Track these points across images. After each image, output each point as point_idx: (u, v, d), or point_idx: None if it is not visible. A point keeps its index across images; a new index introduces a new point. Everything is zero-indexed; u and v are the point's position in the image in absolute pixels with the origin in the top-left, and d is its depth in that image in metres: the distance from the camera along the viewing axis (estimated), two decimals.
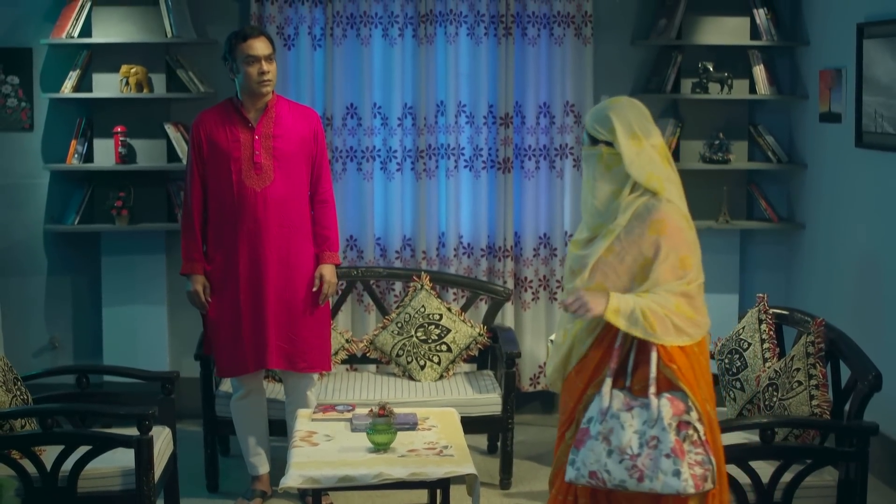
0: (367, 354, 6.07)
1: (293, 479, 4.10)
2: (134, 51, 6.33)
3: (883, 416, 4.81)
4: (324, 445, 4.43)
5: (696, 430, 3.50)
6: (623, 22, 6.67)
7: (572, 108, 6.55)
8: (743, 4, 6.51)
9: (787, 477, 4.27)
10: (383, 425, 4.35)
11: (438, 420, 4.75)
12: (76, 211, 6.42)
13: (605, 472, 3.52)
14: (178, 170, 6.34)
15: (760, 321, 4.93)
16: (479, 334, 5.98)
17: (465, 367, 6.20)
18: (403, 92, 6.52)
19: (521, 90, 6.56)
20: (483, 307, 6.38)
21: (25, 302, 6.61)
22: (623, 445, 3.50)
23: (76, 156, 6.37)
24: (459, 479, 4.24)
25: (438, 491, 4.42)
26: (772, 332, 4.91)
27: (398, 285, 6.51)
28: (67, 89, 6.32)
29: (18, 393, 4.70)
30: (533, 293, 6.66)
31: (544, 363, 6.52)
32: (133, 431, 4.50)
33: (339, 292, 6.23)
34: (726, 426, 4.33)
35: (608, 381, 3.60)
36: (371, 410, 4.48)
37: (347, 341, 6.02)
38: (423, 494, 5.00)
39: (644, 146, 3.65)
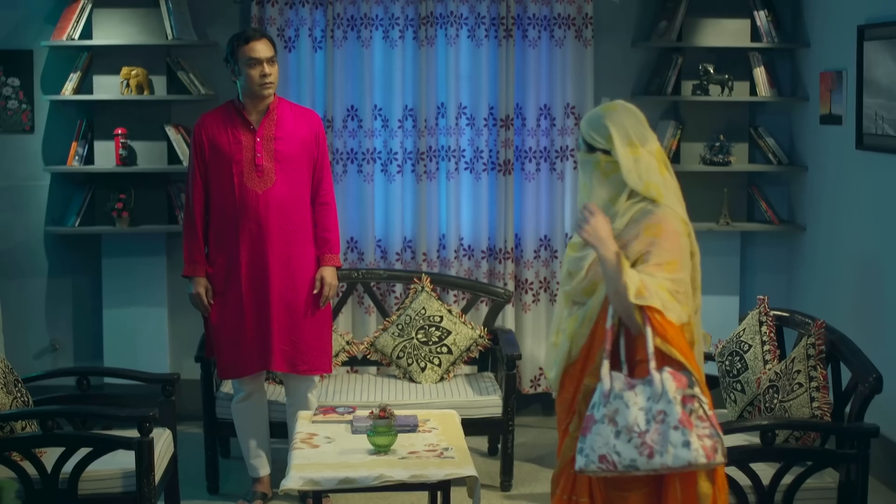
0: (368, 356, 6.07)
1: (294, 481, 4.10)
2: (134, 53, 6.34)
3: (883, 417, 4.81)
4: (324, 447, 4.43)
5: (700, 403, 3.47)
6: (624, 24, 6.67)
7: (573, 111, 6.56)
8: (743, 6, 6.51)
9: (788, 479, 4.27)
10: (384, 427, 4.35)
11: (439, 422, 4.75)
12: (77, 213, 6.42)
13: (614, 454, 3.47)
14: (179, 172, 6.34)
15: (761, 323, 4.93)
16: (480, 336, 5.98)
17: (466, 369, 6.20)
18: (404, 94, 6.52)
19: (522, 92, 6.56)
20: (484, 309, 6.38)
21: (26, 304, 6.62)
22: (630, 424, 3.47)
23: (77, 158, 6.38)
24: (460, 481, 4.24)
25: (439, 493, 4.42)
26: (772, 334, 4.91)
27: (399, 287, 6.51)
28: (68, 91, 6.32)
29: (19, 395, 4.70)
30: (533, 295, 6.66)
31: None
32: (133, 433, 4.50)
33: (340, 294, 6.23)
34: (727, 428, 4.33)
35: (605, 364, 3.59)
36: (372, 412, 4.48)
37: (348, 343, 6.03)
38: (423, 496, 5.00)
39: (641, 153, 3.63)
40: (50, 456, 4.46)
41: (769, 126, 6.70)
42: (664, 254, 3.57)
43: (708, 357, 4.95)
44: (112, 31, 6.31)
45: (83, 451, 4.44)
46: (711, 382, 4.85)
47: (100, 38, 6.30)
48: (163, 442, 4.82)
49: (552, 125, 6.58)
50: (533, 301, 6.66)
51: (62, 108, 6.50)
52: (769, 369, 4.77)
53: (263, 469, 5.42)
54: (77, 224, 6.42)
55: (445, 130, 6.55)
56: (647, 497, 3.62)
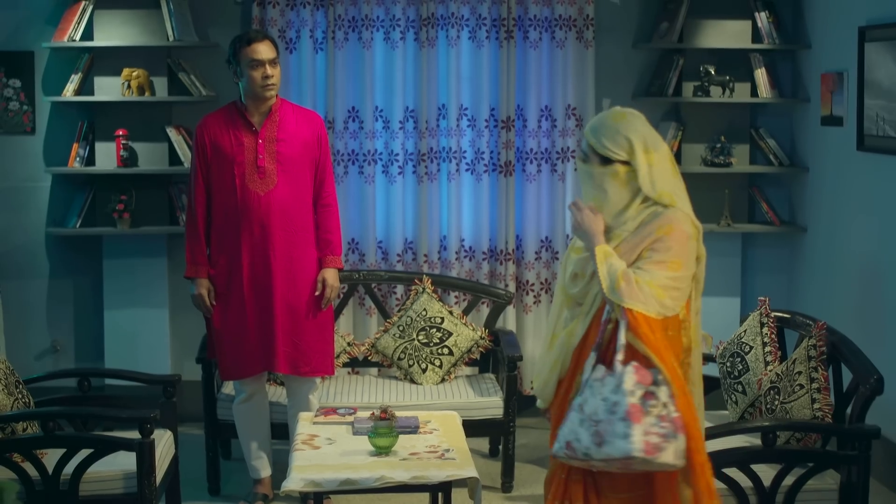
0: (369, 358, 6.07)
1: (295, 482, 4.10)
2: (135, 54, 6.34)
3: (885, 419, 4.81)
4: (325, 449, 4.43)
5: (664, 404, 3.48)
6: (625, 25, 6.67)
7: (574, 112, 6.56)
8: (744, 8, 6.51)
9: (789, 480, 4.27)
10: (385, 429, 4.35)
11: (440, 423, 4.75)
12: (78, 214, 6.43)
13: (576, 440, 3.53)
14: (180, 173, 6.34)
15: (762, 324, 4.93)
16: (481, 337, 5.98)
17: (467, 370, 6.20)
18: (405, 95, 6.52)
19: (523, 93, 6.57)
20: (485, 310, 6.38)
21: (27, 305, 6.62)
22: (591, 413, 3.52)
23: (78, 159, 6.38)
24: (461, 483, 4.24)
25: (440, 494, 4.42)
26: (773, 336, 4.91)
27: (400, 288, 6.51)
28: (69, 93, 6.32)
29: (20, 396, 4.70)
30: (534, 296, 6.66)
31: None
32: (135, 435, 4.50)
33: (341, 295, 6.23)
34: (728, 430, 4.34)
35: (592, 355, 3.62)
36: (373, 414, 4.48)
37: (349, 344, 6.03)
38: (424, 498, 5.00)
39: (655, 159, 3.65)
40: (51, 457, 4.46)
41: (770, 127, 6.70)
42: (668, 253, 3.58)
43: (709, 358, 4.96)
44: (113, 33, 6.31)
45: (84, 453, 4.44)
46: (712, 384, 4.87)
47: (101, 40, 6.30)
48: (164, 443, 4.83)
49: (553, 126, 6.58)
50: (534, 302, 6.66)
51: (63, 109, 6.50)
52: (770, 370, 4.77)
53: (265, 470, 5.42)
54: (78, 225, 6.42)
55: (446, 132, 6.55)
56: (642, 500, 3.63)
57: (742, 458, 4.21)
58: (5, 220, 6.55)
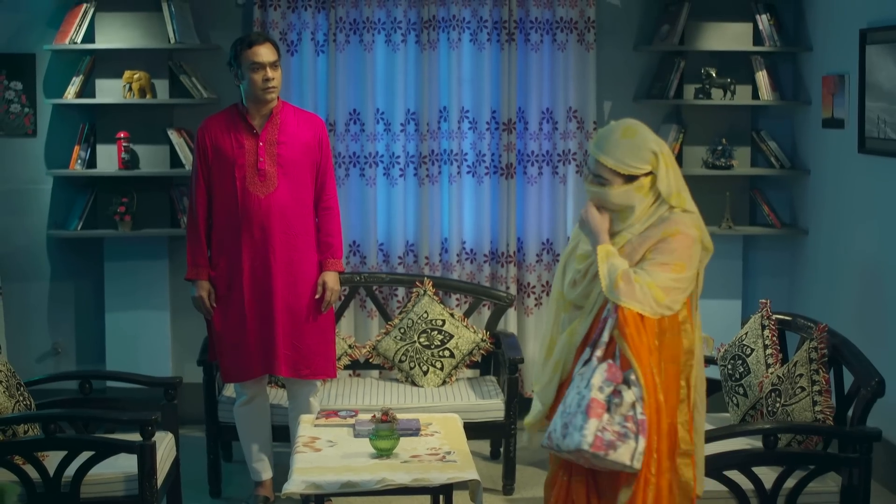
0: (370, 360, 6.07)
1: (296, 484, 4.10)
2: (137, 56, 6.34)
3: (886, 421, 4.81)
4: (327, 451, 4.43)
5: (630, 405, 3.50)
6: (626, 27, 6.68)
7: (575, 114, 6.56)
8: (746, 10, 6.51)
9: (790, 483, 4.27)
10: (386, 431, 4.35)
11: (441, 426, 4.75)
12: (79, 216, 6.43)
13: (553, 431, 3.59)
14: (181, 175, 6.35)
15: (763, 327, 4.93)
16: (482, 340, 5.98)
17: (468, 372, 6.20)
18: (406, 97, 6.52)
19: (524, 96, 6.57)
20: (486, 313, 6.38)
21: (28, 307, 6.62)
22: (568, 405, 3.56)
23: (79, 161, 6.38)
24: (462, 485, 4.24)
25: (441, 497, 4.42)
26: (775, 338, 4.91)
27: (401, 291, 6.51)
28: (70, 95, 6.33)
29: (21, 398, 4.70)
30: (536, 299, 6.66)
31: None
32: (136, 437, 4.50)
33: (342, 298, 6.23)
34: (729, 432, 4.34)
35: (588, 350, 3.64)
36: (374, 416, 4.48)
37: (350, 347, 6.03)
38: (425, 500, 5.00)
39: (669, 160, 3.68)
40: (52, 459, 4.46)
41: (771, 130, 6.70)
42: (671, 255, 3.60)
43: (710, 361, 4.95)
44: (114, 35, 6.32)
45: (85, 455, 4.44)
46: (714, 386, 4.88)
47: (102, 42, 6.30)
48: (165, 446, 4.83)
49: (554, 129, 6.58)
50: (535, 305, 6.66)
51: (65, 111, 6.50)
52: (771, 373, 4.77)
53: (266, 473, 5.42)
54: (79, 228, 6.42)
55: (448, 134, 6.55)
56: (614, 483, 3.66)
57: (743, 461, 4.21)
58: (7, 223, 6.55)
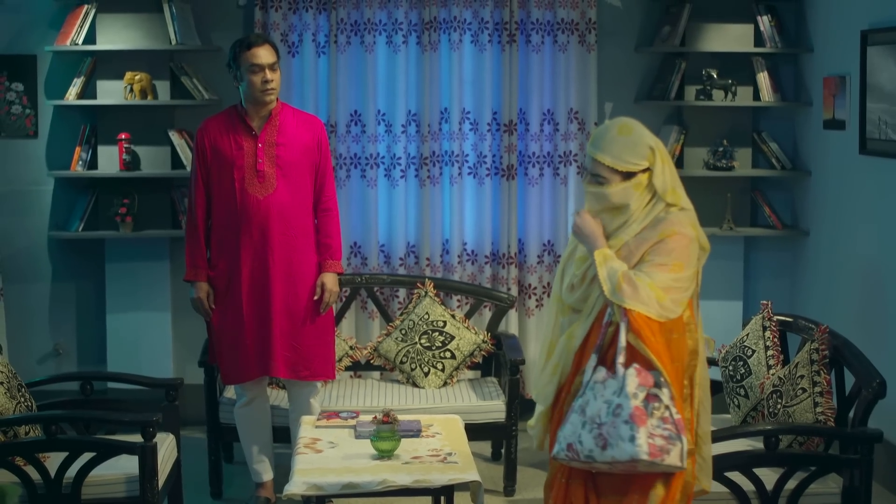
0: (371, 361, 6.06)
1: (297, 486, 4.10)
2: (138, 58, 6.34)
3: (887, 423, 4.81)
4: (328, 452, 4.43)
5: (666, 406, 3.49)
6: (627, 29, 6.68)
7: (576, 116, 6.56)
8: (747, 11, 6.51)
9: (792, 484, 4.27)
10: (387, 432, 4.35)
11: (442, 427, 4.75)
12: (80, 218, 6.43)
13: (578, 443, 3.54)
14: (183, 177, 6.35)
15: (764, 328, 4.93)
16: (483, 341, 5.98)
17: (469, 374, 6.20)
18: (407, 99, 6.52)
19: (525, 97, 6.57)
20: (487, 314, 6.38)
21: (30, 308, 6.62)
22: (594, 415, 3.52)
23: (80, 163, 6.38)
24: (463, 487, 4.24)
25: (443, 498, 4.42)
26: (776, 339, 4.91)
27: (402, 292, 6.51)
28: (72, 96, 6.33)
29: (22, 399, 4.70)
30: (537, 300, 6.66)
31: None
32: (137, 438, 4.50)
33: (343, 299, 6.23)
34: (730, 433, 4.34)
35: (593, 357, 3.62)
36: (375, 417, 4.48)
37: (351, 348, 6.02)
38: (426, 502, 5.00)
39: (664, 157, 3.67)
40: (53, 461, 4.46)
41: (772, 131, 6.70)
42: (669, 256, 3.59)
43: (711, 362, 4.95)
44: (116, 36, 6.32)
45: (86, 456, 4.45)
46: (715, 387, 4.86)
47: (103, 44, 6.31)
48: (166, 447, 4.83)
49: (555, 130, 6.58)
50: (536, 306, 6.66)
51: (66, 112, 6.50)
52: (773, 374, 4.77)
53: (267, 474, 5.42)
54: (81, 229, 6.42)
55: (449, 135, 6.55)
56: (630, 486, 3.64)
57: (745, 462, 4.21)
58: (8, 224, 6.55)
